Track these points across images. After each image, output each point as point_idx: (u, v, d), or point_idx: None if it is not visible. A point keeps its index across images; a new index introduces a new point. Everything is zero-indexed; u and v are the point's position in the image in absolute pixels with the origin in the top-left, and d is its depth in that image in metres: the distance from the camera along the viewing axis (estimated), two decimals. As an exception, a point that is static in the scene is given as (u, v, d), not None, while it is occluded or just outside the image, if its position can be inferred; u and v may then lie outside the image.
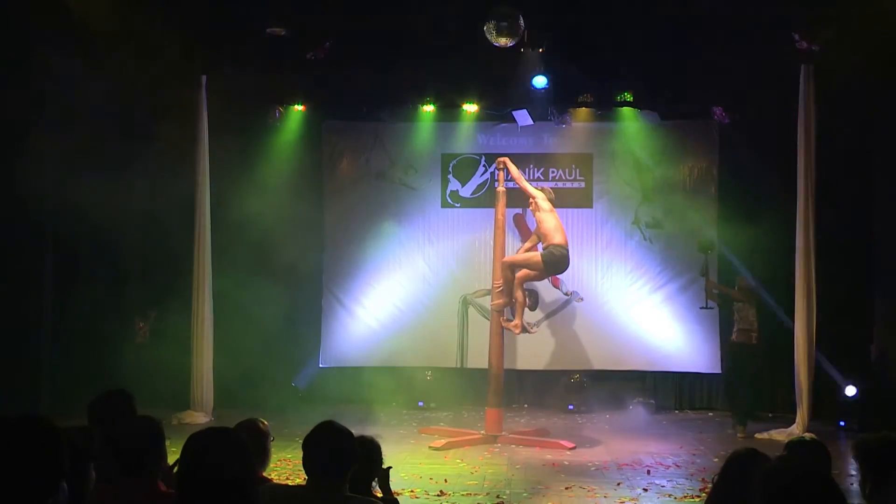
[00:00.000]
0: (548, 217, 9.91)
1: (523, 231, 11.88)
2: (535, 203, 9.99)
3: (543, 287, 11.61)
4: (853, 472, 3.48)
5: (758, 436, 10.04)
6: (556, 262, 9.82)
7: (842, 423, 10.57)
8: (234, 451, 2.71)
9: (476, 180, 12.47)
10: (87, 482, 3.08)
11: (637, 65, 10.43)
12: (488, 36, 9.60)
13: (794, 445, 3.82)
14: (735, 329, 10.65)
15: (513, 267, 10.02)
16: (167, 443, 3.56)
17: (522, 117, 11.42)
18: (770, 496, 2.45)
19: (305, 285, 12.25)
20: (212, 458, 2.67)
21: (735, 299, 10.71)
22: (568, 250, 9.87)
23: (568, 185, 12.28)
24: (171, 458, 3.44)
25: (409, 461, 8.61)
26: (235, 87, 10.63)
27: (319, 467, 3.34)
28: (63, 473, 2.38)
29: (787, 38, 9.79)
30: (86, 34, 9.30)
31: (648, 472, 8.28)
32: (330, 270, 12.53)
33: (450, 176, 12.52)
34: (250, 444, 2.92)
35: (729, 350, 10.96)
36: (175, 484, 3.64)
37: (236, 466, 2.68)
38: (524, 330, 10.68)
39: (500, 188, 10.34)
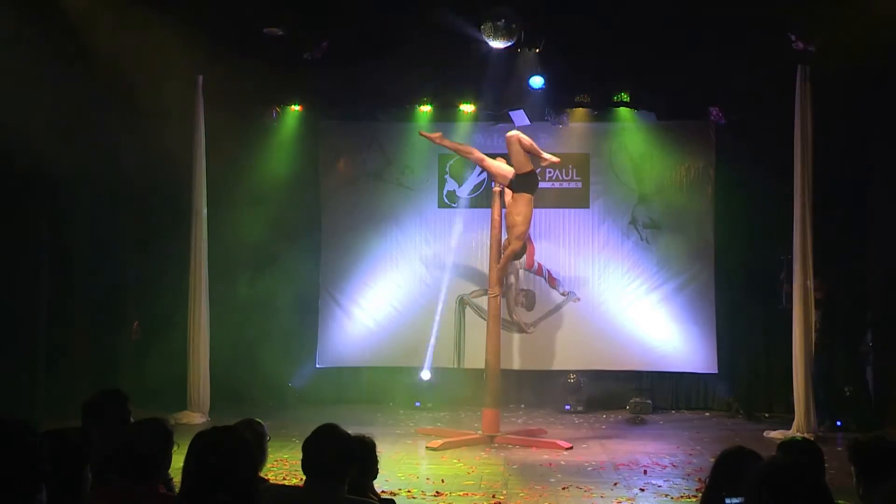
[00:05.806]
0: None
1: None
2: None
3: (540, 287, 11.62)
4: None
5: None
6: (530, 182, 10.00)
7: (839, 423, 10.58)
8: (240, 450, 2.72)
9: (473, 180, 12.46)
10: (84, 484, 3.07)
11: (634, 65, 10.43)
12: (485, 36, 9.60)
13: (786, 446, 3.83)
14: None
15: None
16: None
17: (519, 118, 11.40)
18: (758, 496, 2.45)
19: (302, 285, 12.23)
20: (218, 458, 2.67)
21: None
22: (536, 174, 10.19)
23: (565, 185, 12.28)
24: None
25: (406, 461, 8.63)
26: (232, 88, 10.61)
27: (319, 470, 3.34)
28: (39, 481, 2.34)
29: (784, 38, 9.80)
30: (82, 34, 9.29)
31: (645, 472, 8.28)
32: (327, 270, 12.51)
33: (447, 176, 12.52)
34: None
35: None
36: (174, 486, 3.65)
37: (242, 466, 2.69)
38: (521, 329, 10.76)
39: (497, 188, 10.33)
